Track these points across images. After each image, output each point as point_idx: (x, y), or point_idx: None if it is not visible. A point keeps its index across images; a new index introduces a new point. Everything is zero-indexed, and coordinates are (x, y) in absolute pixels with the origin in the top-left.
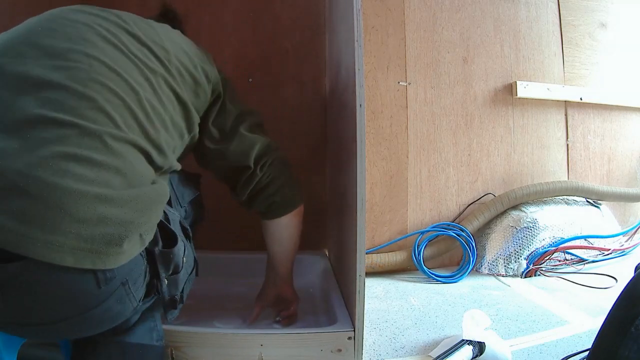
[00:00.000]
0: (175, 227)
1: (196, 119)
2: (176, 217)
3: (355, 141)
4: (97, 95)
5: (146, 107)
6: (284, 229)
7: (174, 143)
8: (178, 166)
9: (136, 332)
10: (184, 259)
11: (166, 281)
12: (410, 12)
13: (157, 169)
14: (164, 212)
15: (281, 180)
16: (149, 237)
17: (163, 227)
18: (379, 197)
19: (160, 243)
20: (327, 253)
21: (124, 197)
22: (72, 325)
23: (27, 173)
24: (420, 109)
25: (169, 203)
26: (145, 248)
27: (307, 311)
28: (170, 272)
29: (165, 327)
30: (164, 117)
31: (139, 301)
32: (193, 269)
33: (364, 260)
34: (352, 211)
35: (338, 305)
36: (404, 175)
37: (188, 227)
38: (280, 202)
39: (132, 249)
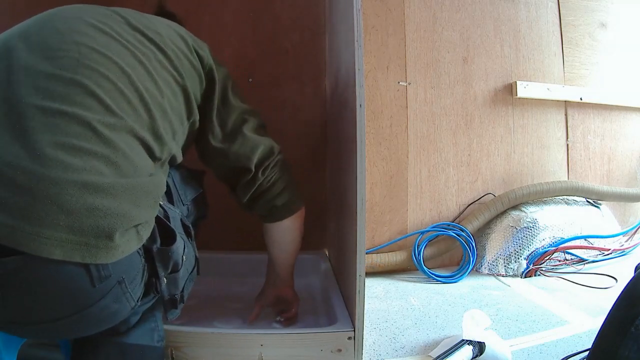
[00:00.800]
0: (176, 225)
1: (194, 104)
2: (177, 215)
3: (355, 141)
4: (87, 80)
5: (140, 90)
6: (285, 232)
7: (173, 128)
8: (179, 156)
9: (136, 333)
10: (184, 257)
11: (165, 280)
12: (410, 12)
13: (156, 158)
14: (164, 209)
15: (282, 184)
16: (146, 233)
17: (162, 224)
18: (379, 197)
19: (159, 240)
20: (327, 253)
21: (116, 187)
22: (71, 324)
23: (16, 164)
24: (420, 109)
25: (171, 201)
26: (143, 245)
27: (307, 311)
28: (170, 270)
29: (165, 327)
30: (160, 101)
31: (137, 301)
32: (194, 268)
33: (364, 260)
34: (352, 211)
35: (338, 305)
36: (404, 175)
37: (190, 225)
38: (281, 206)
39: (127, 245)
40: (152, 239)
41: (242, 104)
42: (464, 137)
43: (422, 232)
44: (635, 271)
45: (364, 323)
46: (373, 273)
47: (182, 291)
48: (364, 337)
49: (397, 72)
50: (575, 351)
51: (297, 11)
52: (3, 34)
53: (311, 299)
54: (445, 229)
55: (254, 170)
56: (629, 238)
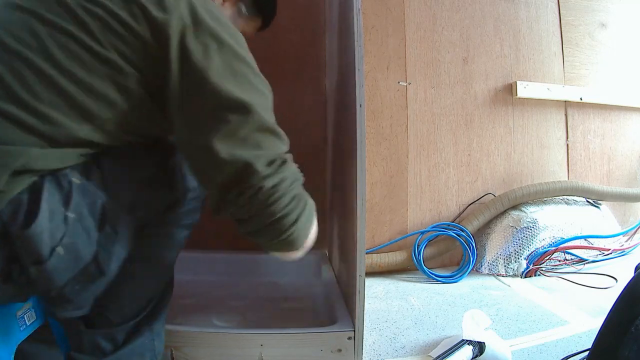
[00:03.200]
0: (78, 209)
1: (132, 76)
2: (98, 200)
3: (355, 141)
4: None
5: (18, 70)
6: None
7: (80, 111)
8: (112, 141)
9: (125, 353)
10: (60, 248)
11: (33, 269)
12: (410, 12)
13: (46, 138)
14: (70, 184)
15: (268, 217)
16: None
17: (35, 201)
18: (379, 197)
19: (22, 219)
20: (327, 253)
21: None
22: None
23: None
24: (420, 109)
25: (107, 183)
26: (2, 223)
27: (307, 311)
28: (33, 260)
29: (165, 327)
30: (57, 80)
31: None
32: (89, 266)
33: (364, 260)
34: (352, 211)
35: (338, 305)
36: (404, 175)
37: (113, 215)
38: (270, 245)
39: None
40: (13, 216)
41: (233, 89)
42: (464, 137)
43: (422, 232)
44: (635, 271)
45: (364, 323)
46: (373, 273)
47: (64, 288)
48: (364, 337)
49: (397, 72)
50: (575, 351)
51: (297, 11)
52: None
53: (311, 298)
54: (445, 229)
55: (218, 194)
56: (629, 238)
